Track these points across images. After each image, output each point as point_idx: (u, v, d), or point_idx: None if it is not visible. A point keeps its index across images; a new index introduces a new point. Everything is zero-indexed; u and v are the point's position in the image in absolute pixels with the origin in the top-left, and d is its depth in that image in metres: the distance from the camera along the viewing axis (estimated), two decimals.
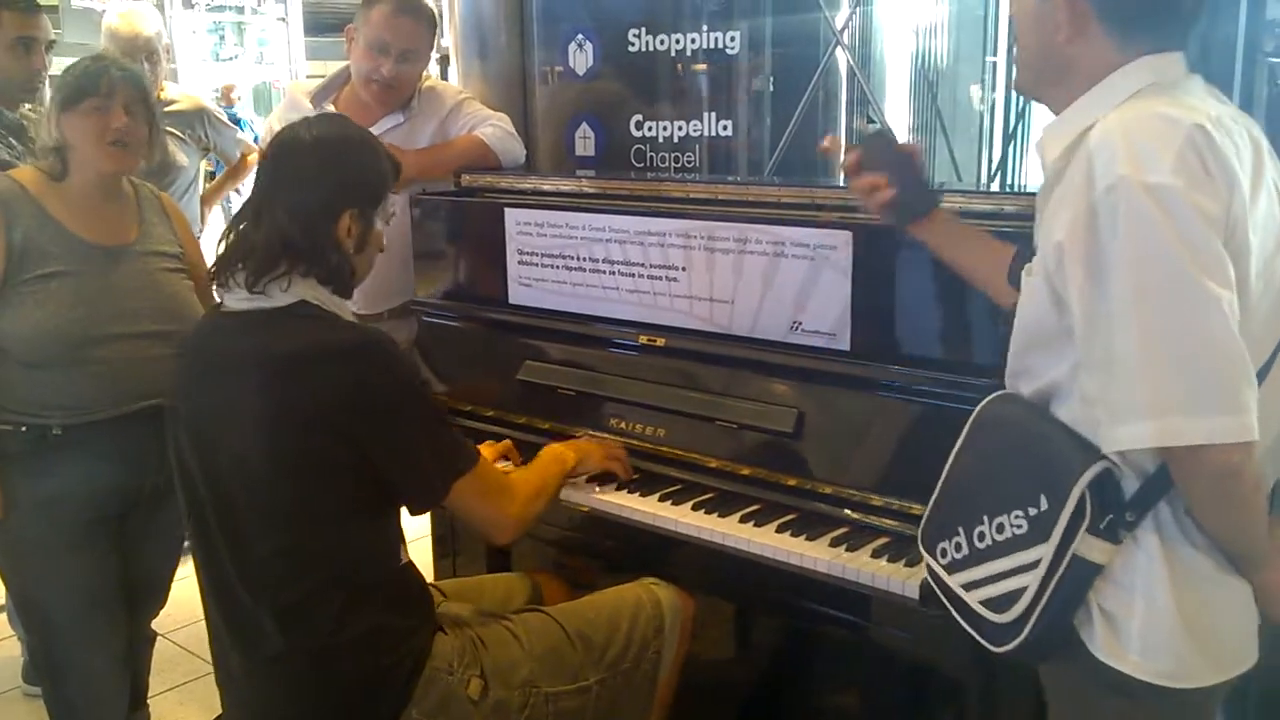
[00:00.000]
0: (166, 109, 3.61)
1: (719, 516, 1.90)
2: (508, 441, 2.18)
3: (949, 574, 1.44)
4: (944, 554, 1.45)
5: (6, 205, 2.07)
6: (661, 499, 1.98)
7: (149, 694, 2.58)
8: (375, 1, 2.60)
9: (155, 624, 2.52)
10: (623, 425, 2.13)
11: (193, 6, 8.31)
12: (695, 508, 1.93)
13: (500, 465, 2.08)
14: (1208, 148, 1.19)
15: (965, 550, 1.40)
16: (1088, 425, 1.28)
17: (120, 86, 2.10)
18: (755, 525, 1.85)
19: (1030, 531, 1.30)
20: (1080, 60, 1.34)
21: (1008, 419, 1.43)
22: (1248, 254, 1.22)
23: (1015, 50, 1.47)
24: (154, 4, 7.43)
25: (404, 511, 1.72)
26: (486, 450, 2.09)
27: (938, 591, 1.48)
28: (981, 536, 1.37)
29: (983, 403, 1.48)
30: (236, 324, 1.65)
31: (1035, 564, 1.28)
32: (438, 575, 2.85)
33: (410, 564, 1.74)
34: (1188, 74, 1.33)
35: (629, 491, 2.01)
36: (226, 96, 11.96)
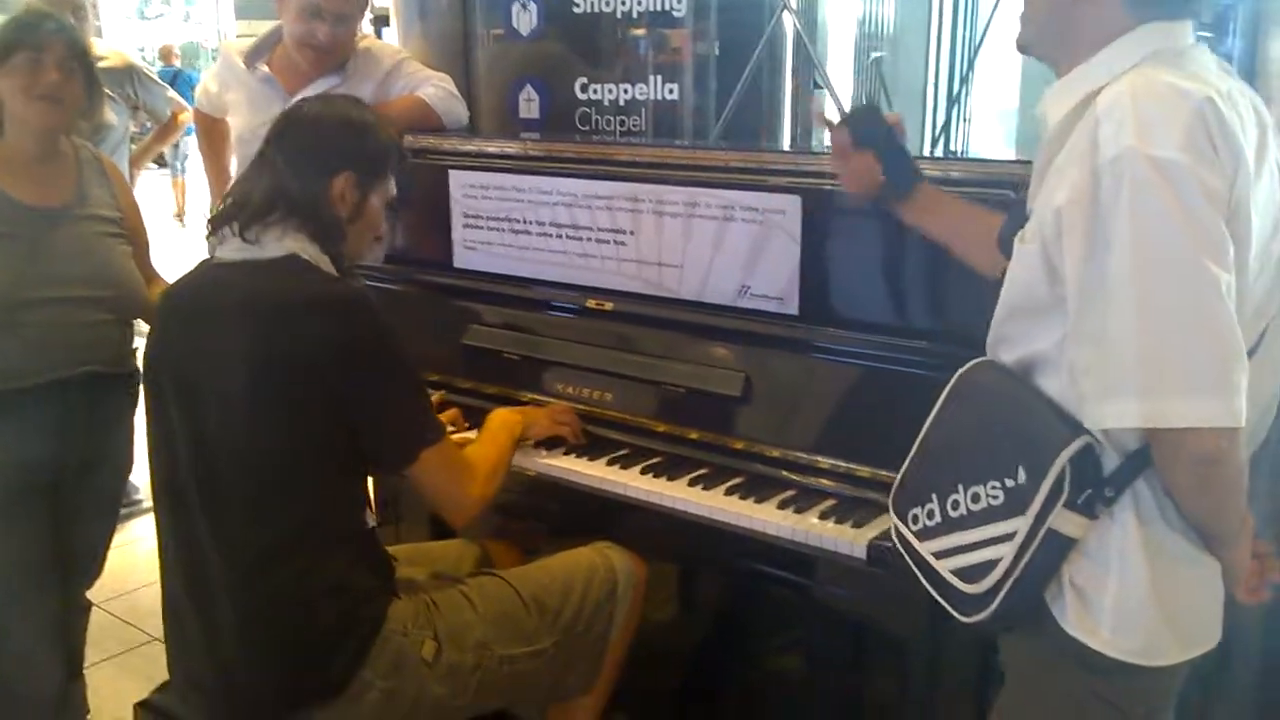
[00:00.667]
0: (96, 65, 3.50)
1: (668, 480, 1.90)
2: (454, 410, 2.16)
3: (919, 540, 1.42)
4: (914, 520, 1.44)
5: None
6: (610, 463, 1.97)
7: (85, 664, 2.53)
8: None
9: (91, 594, 2.47)
10: (570, 390, 2.12)
11: None
12: (644, 471, 1.93)
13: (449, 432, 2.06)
14: (1216, 123, 1.16)
15: (938, 518, 1.39)
16: (1072, 398, 1.26)
17: (53, 41, 2.03)
18: (704, 488, 1.86)
19: (1006, 503, 1.28)
20: (1089, 22, 1.30)
21: (988, 387, 1.41)
22: (1249, 235, 1.20)
23: (1022, 8, 1.41)
24: None
25: None
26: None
27: (906, 557, 1.46)
28: (955, 505, 1.36)
29: (963, 369, 1.45)
30: (227, 274, 1.66)
31: (1010, 536, 1.27)
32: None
33: (375, 530, 1.73)
34: (1196, 44, 1.30)
35: (577, 456, 2.01)
36: (167, 57, 11.56)
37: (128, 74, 3.61)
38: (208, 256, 1.73)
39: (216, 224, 1.68)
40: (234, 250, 1.65)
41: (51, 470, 2.17)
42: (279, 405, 1.57)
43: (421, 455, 1.66)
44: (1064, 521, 1.24)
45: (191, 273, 1.73)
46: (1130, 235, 1.15)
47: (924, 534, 1.42)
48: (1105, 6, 1.30)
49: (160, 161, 9.87)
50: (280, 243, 1.63)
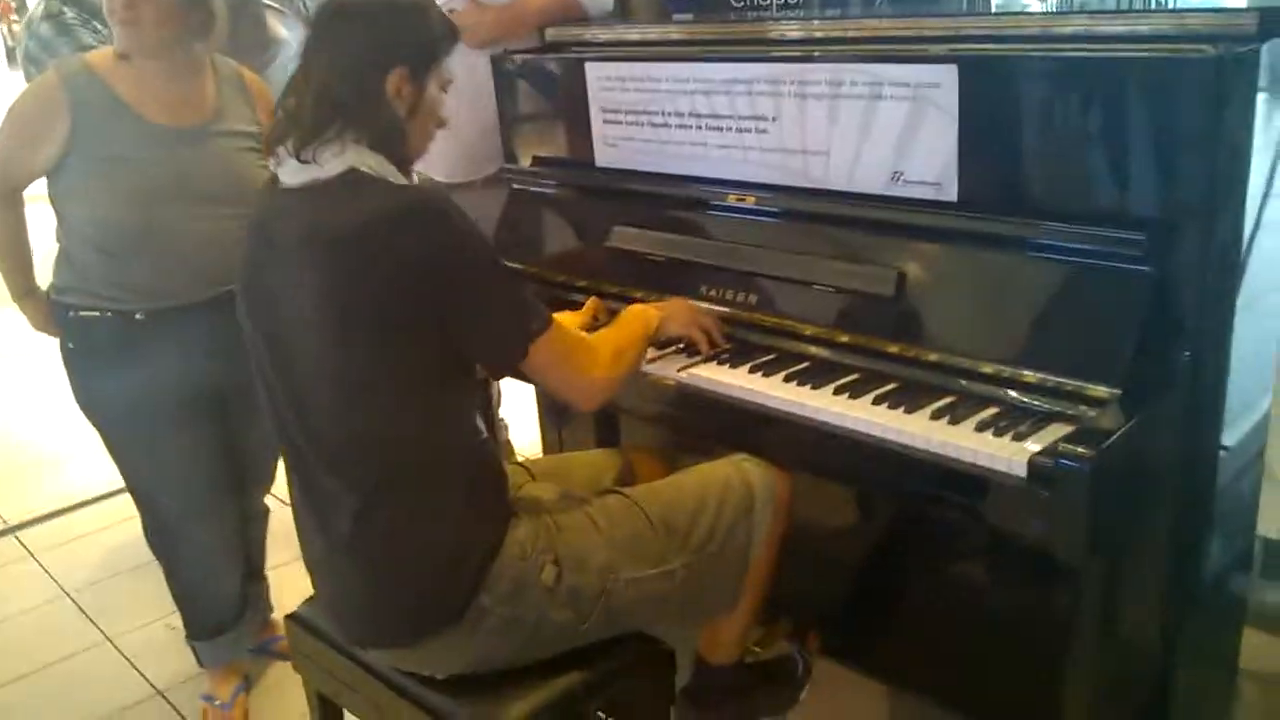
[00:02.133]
0: None
1: (812, 388, 1.75)
2: (596, 300, 2.08)
3: None
4: None
5: (72, 89, 2.04)
6: (752, 370, 1.84)
7: (267, 566, 2.65)
8: None
9: (275, 493, 2.56)
10: (712, 292, 1.99)
11: None
12: (788, 379, 1.79)
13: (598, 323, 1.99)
14: None
15: None
16: None
17: None
18: (850, 397, 1.70)
19: None
20: None
21: None
22: None
23: None
24: None
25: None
26: (574, 315, 2.00)
27: None
28: None
29: None
30: (290, 201, 1.57)
31: None
32: (546, 449, 2.82)
33: (488, 441, 1.67)
34: None
35: (719, 363, 1.88)
36: None
37: None
38: (272, 176, 1.65)
39: (271, 144, 1.59)
40: (292, 172, 1.56)
41: (213, 384, 2.23)
42: (367, 333, 1.49)
43: (531, 349, 1.57)
44: None
45: (257, 202, 1.66)
46: None
47: None
48: None
49: None
50: (339, 158, 1.53)
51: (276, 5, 3.55)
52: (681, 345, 1.93)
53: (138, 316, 2.10)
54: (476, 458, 1.64)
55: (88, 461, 3.47)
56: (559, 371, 1.64)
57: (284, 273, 1.55)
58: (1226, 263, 1.58)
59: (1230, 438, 1.69)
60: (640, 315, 1.84)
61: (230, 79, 2.22)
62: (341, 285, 1.49)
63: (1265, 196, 1.62)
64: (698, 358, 1.90)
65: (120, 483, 2.36)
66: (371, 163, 1.54)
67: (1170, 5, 2.41)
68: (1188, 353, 1.56)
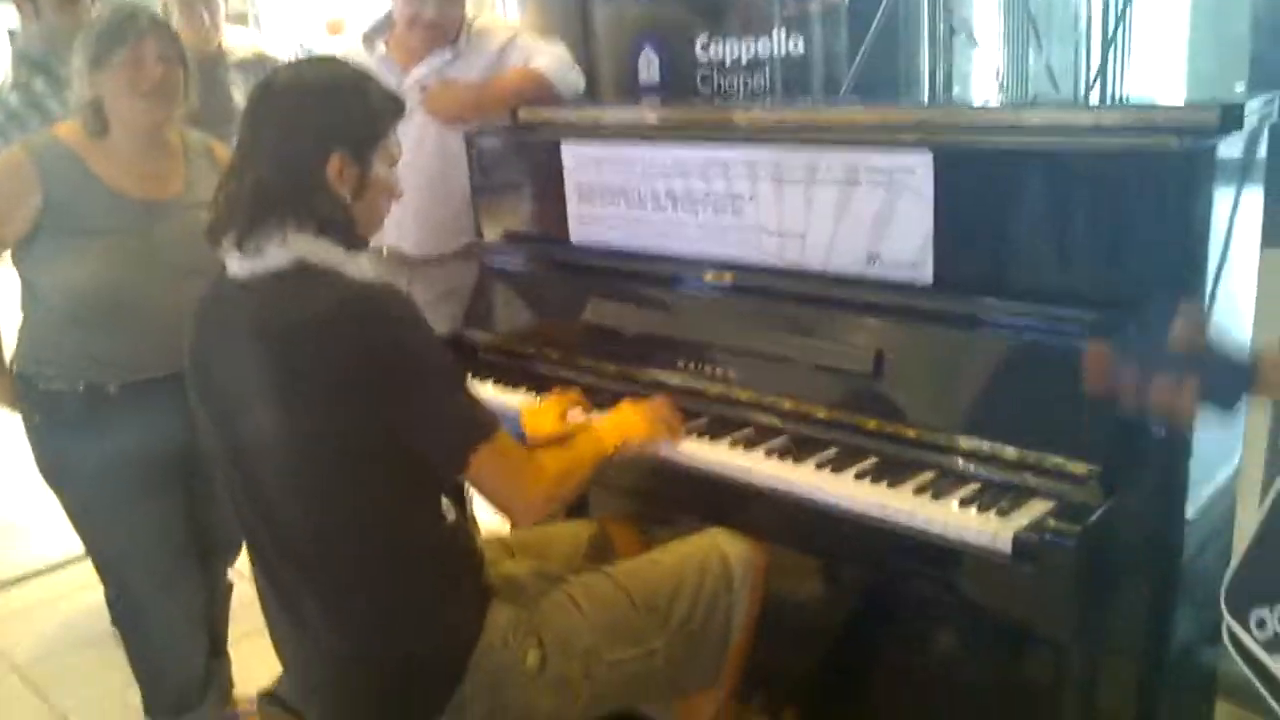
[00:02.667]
0: (229, 56, 3.56)
1: (793, 463, 1.77)
2: (575, 392, 2.07)
3: (1271, 654, 1.20)
4: (1261, 624, 1.21)
5: (43, 163, 2.03)
6: (732, 445, 1.86)
7: (229, 641, 2.58)
8: None
9: (238, 568, 2.51)
10: (691, 367, 2.02)
11: None
12: (768, 454, 1.82)
13: (572, 415, 1.99)
14: None
15: None
16: None
17: (150, 34, 2.02)
18: (832, 472, 1.73)
19: None
20: None
21: None
22: None
23: None
24: None
25: None
26: (551, 405, 2.00)
27: (1243, 665, 1.25)
28: None
29: None
30: (238, 293, 1.53)
31: None
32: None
33: (458, 525, 1.64)
34: None
35: (698, 437, 1.90)
36: (336, 29, 11.58)
37: (260, 64, 3.65)
38: (221, 270, 1.60)
39: (213, 234, 1.55)
40: (239, 263, 1.52)
41: (183, 457, 2.19)
42: (320, 437, 1.46)
43: (472, 457, 1.52)
44: None
45: (212, 289, 1.61)
46: None
47: (1275, 645, 1.19)
48: None
49: None
50: (284, 248, 1.48)
51: (241, 81, 3.57)
52: None
53: (110, 390, 2.08)
54: (446, 543, 1.60)
55: (39, 531, 3.37)
56: (499, 484, 1.58)
57: (233, 363, 1.53)
58: None
59: (1192, 510, 1.75)
60: (595, 443, 1.78)
61: (200, 151, 2.22)
62: (288, 381, 1.46)
63: (1219, 272, 1.69)
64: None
65: (74, 552, 2.32)
66: (319, 252, 1.50)
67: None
68: (1163, 429, 1.61)
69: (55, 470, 2.15)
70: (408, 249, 2.72)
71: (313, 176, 1.51)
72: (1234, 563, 1.27)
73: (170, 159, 2.16)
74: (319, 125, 1.53)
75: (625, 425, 1.85)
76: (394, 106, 1.63)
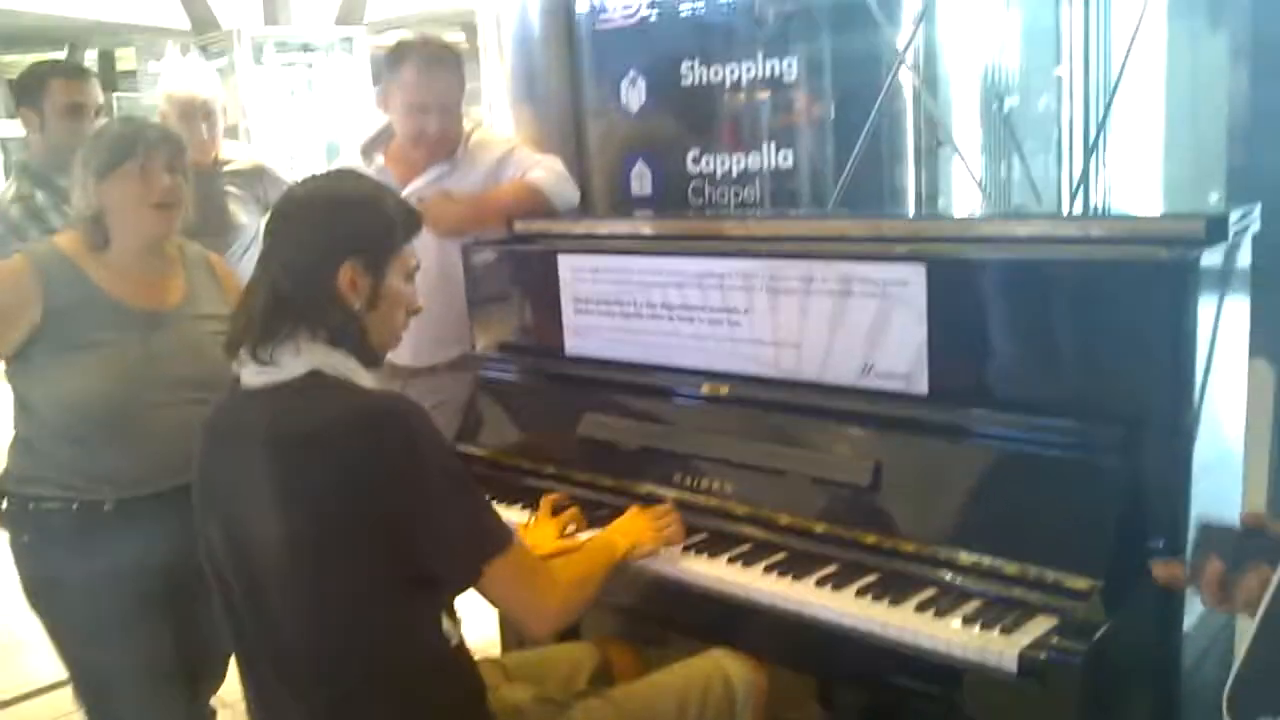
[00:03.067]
0: (226, 168, 3.61)
1: (793, 580, 1.76)
2: (574, 509, 2.05)
3: None
4: None
5: (44, 272, 2.03)
6: (731, 561, 1.84)
7: None
8: (401, 61, 2.58)
9: (220, 695, 2.45)
10: (688, 480, 2.01)
11: (262, 64, 8.48)
12: (767, 570, 1.80)
13: (569, 532, 1.98)
14: None
15: None
16: None
17: (160, 146, 2.04)
18: (833, 589, 1.71)
19: None
20: None
21: None
22: None
23: None
24: (225, 62, 7.57)
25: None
26: (549, 523, 1.99)
27: None
28: None
29: None
30: (250, 402, 1.55)
31: None
32: (505, 645, 2.74)
33: (460, 647, 1.62)
34: None
35: (695, 553, 1.88)
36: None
37: (257, 176, 3.70)
38: (235, 377, 1.61)
39: (231, 346, 1.57)
40: (253, 374, 1.53)
41: (174, 578, 2.15)
42: (325, 540, 1.45)
43: (485, 570, 1.51)
44: None
45: (225, 399, 1.63)
46: None
47: None
48: None
49: None
50: (298, 358, 1.50)
51: (238, 192, 3.62)
52: None
53: (106, 507, 2.04)
54: (450, 667, 1.58)
55: (33, 650, 3.28)
56: (515, 595, 1.58)
57: (242, 474, 1.52)
58: (1183, 452, 1.65)
59: (1190, 621, 1.73)
60: (606, 547, 1.80)
61: (198, 263, 2.24)
62: (298, 491, 1.45)
63: (1206, 380, 1.70)
64: (675, 547, 1.90)
65: (48, 680, 2.23)
66: (334, 362, 1.52)
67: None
68: (1161, 541, 1.60)
69: (43, 591, 2.10)
70: (402, 359, 2.72)
71: (324, 286, 1.53)
72: (1234, 670, 1.24)
73: (170, 269, 2.16)
74: (332, 235, 1.56)
75: (633, 531, 1.85)
76: (409, 219, 1.66)
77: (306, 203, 1.60)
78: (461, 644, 1.62)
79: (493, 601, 1.60)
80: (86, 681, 2.19)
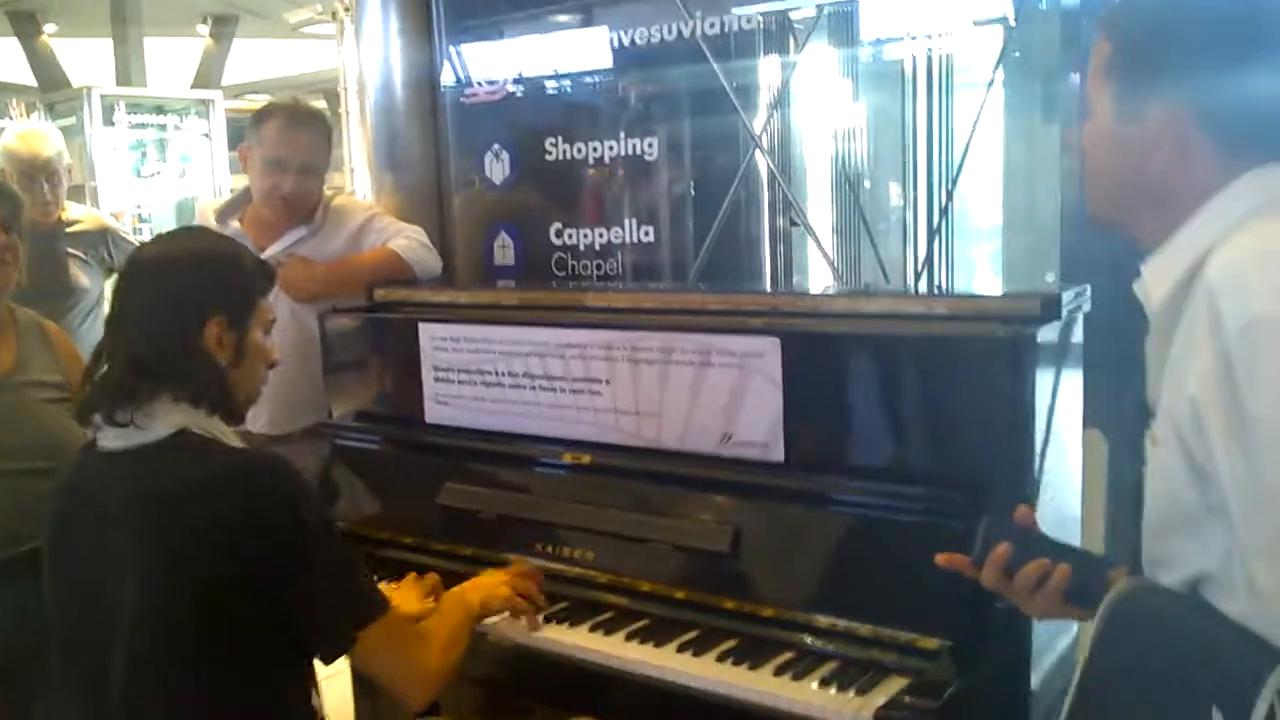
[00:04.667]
0: (69, 229, 3.49)
1: (655, 646, 1.76)
2: (434, 576, 2.00)
3: None
4: None
5: None
6: (593, 629, 1.83)
7: None
8: (266, 118, 2.55)
9: None
10: (549, 549, 2.00)
11: (113, 124, 8.22)
12: (629, 637, 1.80)
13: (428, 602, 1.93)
14: None
15: None
16: (1261, 621, 1.04)
17: None
18: (694, 654, 1.72)
19: None
20: (1179, 183, 1.18)
21: (1151, 614, 1.18)
22: None
23: (1087, 178, 1.31)
24: (73, 122, 7.31)
25: None
26: (411, 588, 1.94)
27: None
28: None
29: (1112, 594, 1.22)
30: (110, 465, 1.48)
31: None
32: (358, 717, 2.65)
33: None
34: None
35: (557, 622, 1.87)
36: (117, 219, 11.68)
37: (102, 236, 3.59)
38: (90, 440, 1.55)
39: (84, 413, 1.51)
40: (114, 437, 1.48)
41: (4, 653, 2.02)
42: (192, 608, 1.40)
43: (361, 636, 1.48)
44: None
45: (80, 462, 1.56)
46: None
47: None
48: (1198, 164, 1.17)
49: None
50: (161, 420, 1.46)
51: (80, 255, 3.50)
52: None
53: None
54: None
55: None
56: (391, 662, 1.54)
57: (101, 536, 1.46)
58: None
59: (1036, 681, 1.80)
60: (460, 602, 1.77)
61: (30, 329, 2.14)
62: (166, 552, 1.40)
63: (1044, 449, 1.80)
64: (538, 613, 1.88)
65: None
66: (201, 422, 1.49)
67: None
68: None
69: None
70: (258, 427, 2.64)
71: (187, 343, 1.50)
72: None
73: (2, 334, 2.06)
74: (193, 292, 1.52)
75: (485, 585, 1.82)
76: (266, 271, 1.65)
77: (164, 261, 1.56)
78: (323, 716, 1.56)
79: (367, 669, 1.56)
80: None
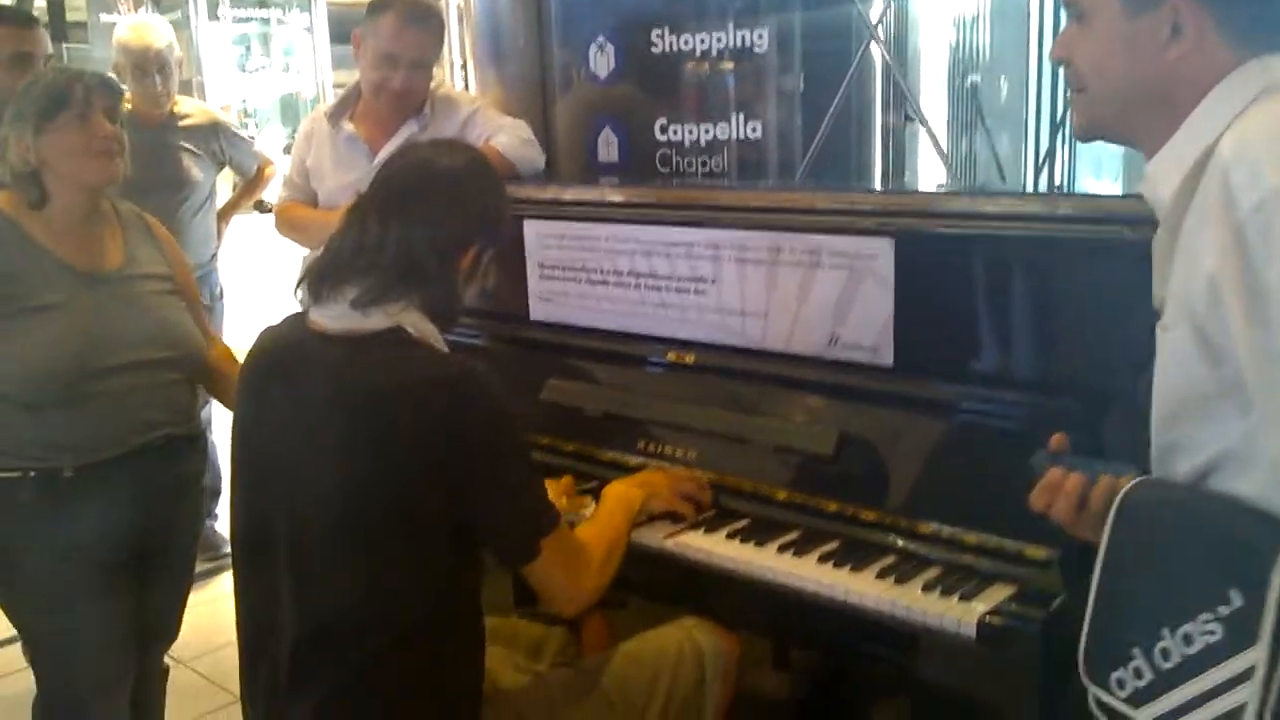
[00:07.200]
0: (180, 123, 3.55)
1: (756, 546, 1.77)
2: (569, 478, 2.01)
3: (1135, 708, 1.18)
4: (1122, 685, 1.19)
5: None
6: (694, 526, 1.85)
7: None
8: (382, 10, 2.52)
9: (175, 652, 2.42)
10: (651, 447, 2.01)
11: (218, 19, 8.31)
12: (730, 536, 1.81)
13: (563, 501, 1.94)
14: None
15: (1150, 675, 1.15)
16: (1278, 496, 1.06)
17: (97, 93, 1.96)
18: (794, 555, 1.72)
19: (1229, 636, 1.06)
20: (1189, 74, 1.18)
21: (1164, 502, 1.19)
22: None
23: (1078, 91, 1.28)
24: (179, 16, 7.40)
25: None
26: (552, 485, 1.96)
27: None
28: (1166, 654, 1.13)
29: (1123, 490, 1.21)
30: (322, 346, 1.51)
31: (1248, 673, 1.04)
32: None
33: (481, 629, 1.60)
34: None
35: (659, 520, 1.89)
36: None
37: (213, 130, 3.65)
38: (300, 312, 1.60)
39: (312, 277, 1.54)
40: (333, 317, 1.50)
41: (137, 542, 2.10)
42: (384, 498, 1.43)
43: (543, 545, 1.51)
44: None
45: (282, 336, 1.59)
46: None
47: (1138, 698, 1.17)
48: (1209, 53, 1.16)
49: (261, 207, 10.10)
50: (389, 315, 1.49)
51: (192, 148, 3.56)
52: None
53: (66, 474, 1.97)
54: (476, 639, 1.57)
55: None
56: (557, 576, 1.56)
57: (302, 420, 1.50)
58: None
59: None
60: (623, 500, 1.77)
61: (135, 224, 2.15)
62: (367, 443, 1.44)
63: None
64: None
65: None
66: (419, 324, 1.51)
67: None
68: None
69: (1, 564, 2.03)
70: None
71: (451, 264, 1.55)
72: (1084, 634, 1.27)
73: (108, 230, 2.08)
74: (473, 217, 1.59)
75: (651, 484, 1.84)
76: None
77: (457, 178, 1.59)
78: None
79: (534, 581, 1.57)
80: (38, 645, 2.14)
